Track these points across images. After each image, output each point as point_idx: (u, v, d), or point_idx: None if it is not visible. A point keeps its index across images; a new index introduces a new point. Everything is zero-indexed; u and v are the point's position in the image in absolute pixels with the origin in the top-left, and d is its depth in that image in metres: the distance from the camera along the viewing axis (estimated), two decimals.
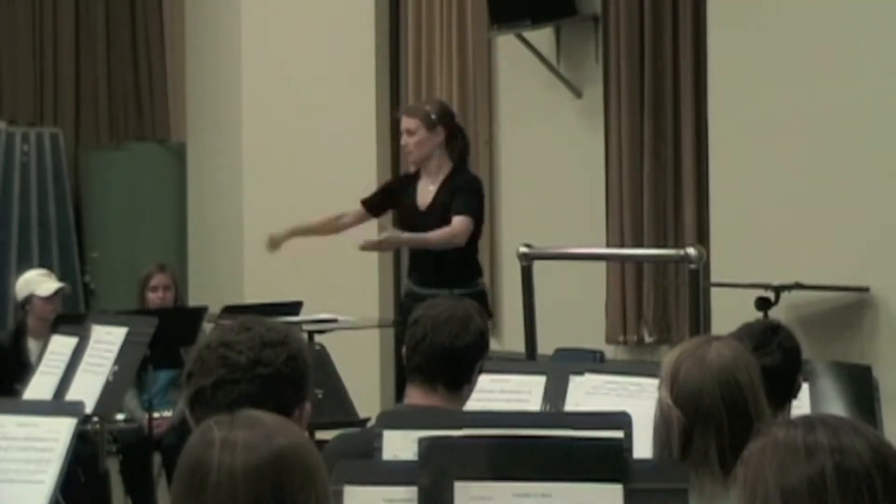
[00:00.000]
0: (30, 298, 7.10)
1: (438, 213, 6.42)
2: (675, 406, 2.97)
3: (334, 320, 6.67)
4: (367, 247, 6.47)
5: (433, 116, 6.48)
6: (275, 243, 6.87)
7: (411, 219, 6.57)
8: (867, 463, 1.98)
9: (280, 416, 2.31)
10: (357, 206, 6.83)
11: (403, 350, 3.73)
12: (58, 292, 7.10)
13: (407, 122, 6.53)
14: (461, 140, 6.61)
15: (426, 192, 6.53)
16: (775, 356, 3.87)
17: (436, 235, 6.32)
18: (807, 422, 2.04)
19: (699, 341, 3.10)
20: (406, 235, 6.47)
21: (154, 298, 7.32)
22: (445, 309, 3.73)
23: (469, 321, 3.70)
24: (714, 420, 2.95)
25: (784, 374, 3.87)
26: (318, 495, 2.16)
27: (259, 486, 2.12)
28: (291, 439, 2.17)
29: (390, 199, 6.77)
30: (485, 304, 6.40)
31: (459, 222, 6.35)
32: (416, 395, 3.67)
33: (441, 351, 3.64)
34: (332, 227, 6.88)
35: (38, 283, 7.16)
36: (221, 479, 2.12)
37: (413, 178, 6.65)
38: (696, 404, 2.96)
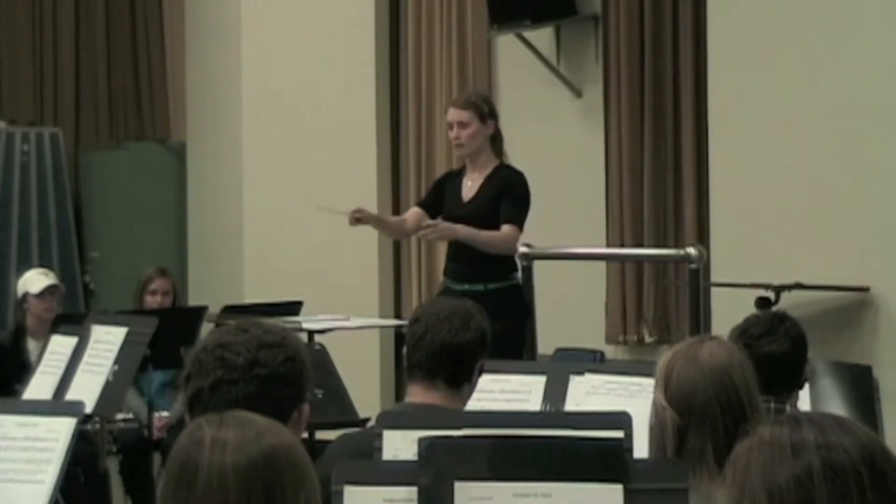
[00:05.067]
0: (25, 297, 7.12)
1: (482, 206, 6.29)
2: (670, 406, 2.97)
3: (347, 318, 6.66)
4: (423, 234, 6.32)
5: (486, 109, 6.37)
6: (360, 219, 6.46)
7: (454, 210, 6.39)
8: (854, 458, 1.97)
9: (276, 417, 2.31)
10: (412, 209, 6.68)
11: (404, 349, 3.74)
12: (48, 290, 7.09)
13: (458, 115, 6.35)
14: (500, 136, 6.51)
15: (471, 184, 6.40)
16: (782, 343, 3.91)
17: (486, 235, 6.19)
18: (793, 420, 2.03)
19: (692, 342, 3.11)
20: (461, 228, 6.22)
21: (152, 302, 7.31)
22: (447, 307, 3.75)
23: (470, 319, 3.71)
24: (709, 418, 2.96)
25: (791, 361, 3.91)
26: (307, 495, 2.16)
27: (250, 485, 2.12)
28: (282, 439, 2.18)
29: (441, 195, 6.55)
30: (521, 298, 6.37)
31: (512, 231, 6.23)
32: (416, 393, 3.67)
33: (441, 347, 3.65)
34: (401, 229, 6.69)
35: (31, 281, 7.18)
36: (211, 478, 2.12)
37: (458, 173, 6.52)
38: (689, 404, 2.97)
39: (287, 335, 2.89)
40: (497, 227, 6.19)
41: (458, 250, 6.37)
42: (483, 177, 6.37)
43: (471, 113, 6.34)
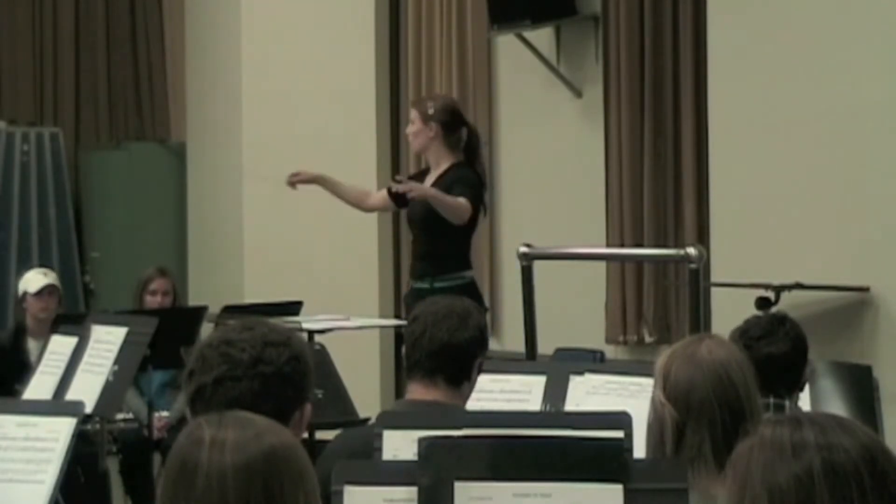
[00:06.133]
0: (24, 296, 7.12)
1: (427, 203, 6.44)
2: (668, 403, 2.98)
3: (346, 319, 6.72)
4: (397, 188, 6.50)
5: (429, 111, 6.60)
6: (299, 180, 6.92)
7: (412, 206, 6.67)
8: (855, 459, 1.97)
9: (277, 416, 2.31)
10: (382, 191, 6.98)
11: (403, 349, 3.74)
12: (46, 289, 7.10)
13: (411, 113, 6.74)
14: (468, 137, 6.65)
15: (429, 181, 6.59)
16: (781, 345, 3.92)
17: (448, 199, 6.34)
18: (794, 420, 2.03)
19: (691, 340, 3.12)
20: (428, 188, 6.43)
21: (152, 302, 7.32)
22: (444, 306, 3.76)
23: (468, 317, 3.72)
24: (707, 415, 2.96)
25: (791, 362, 3.92)
26: (307, 495, 2.16)
27: (249, 484, 2.12)
28: (281, 439, 2.18)
29: None
30: (475, 297, 6.38)
31: (465, 202, 6.39)
32: (416, 391, 3.68)
33: (440, 345, 3.66)
34: (357, 197, 7.01)
35: (30, 280, 7.19)
36: (211, 477, 2.12)
37: (426, 171, 6.77)
38: (687, 400, 2.98)
39: (292, 335, 2.90)
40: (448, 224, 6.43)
41: (414, 247, 6.68)
42: (436, 175, 6.60)
43: (416, 112, 6.68)
